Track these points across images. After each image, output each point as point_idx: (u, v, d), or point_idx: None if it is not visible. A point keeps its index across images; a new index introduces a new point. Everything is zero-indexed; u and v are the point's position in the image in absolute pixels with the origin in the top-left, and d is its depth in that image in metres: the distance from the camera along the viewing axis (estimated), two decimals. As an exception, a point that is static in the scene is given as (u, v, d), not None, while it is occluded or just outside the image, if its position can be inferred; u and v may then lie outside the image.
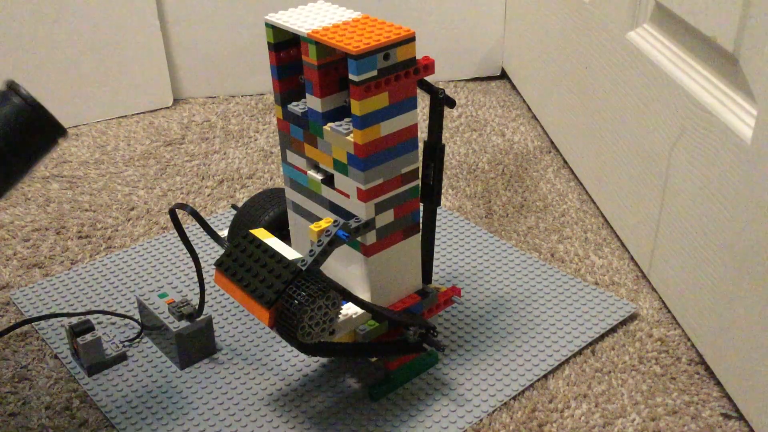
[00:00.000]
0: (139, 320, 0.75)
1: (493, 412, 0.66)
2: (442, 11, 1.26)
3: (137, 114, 1.22)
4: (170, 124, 1.18)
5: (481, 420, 0.65)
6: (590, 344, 0.73)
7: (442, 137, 0.64)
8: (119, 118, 1.21)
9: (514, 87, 1.27)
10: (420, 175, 0.64)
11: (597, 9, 0.90)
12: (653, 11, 0.78)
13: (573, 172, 1.01)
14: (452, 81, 1.31)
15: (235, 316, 0.77)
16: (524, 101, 1.22)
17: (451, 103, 0.63)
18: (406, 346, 0.65)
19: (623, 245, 0.87)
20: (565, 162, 1.04)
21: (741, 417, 0.65)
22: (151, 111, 1.23)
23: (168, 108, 1.24)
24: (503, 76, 1.32)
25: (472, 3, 1.26)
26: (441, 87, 0.62)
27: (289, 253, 0.59)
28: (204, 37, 1.23)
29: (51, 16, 1.12)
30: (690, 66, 0.72)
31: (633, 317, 0.76)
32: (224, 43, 1.24)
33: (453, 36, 1.28)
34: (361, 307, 0.60)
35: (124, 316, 0.77)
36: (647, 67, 0.77)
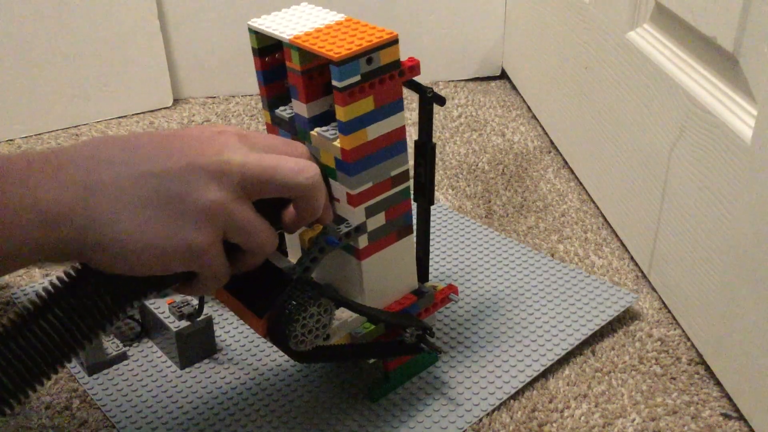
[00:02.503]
0: (139, 320, 0.75)
1: (493, 411, 0.66)
2: (442, 11, 1.26)
3: (137, 114, 1.22)
4: (170, 124, 1.18)
5: (480, 420, 0.65)
6: (590, 344, 0.73)
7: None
8: (119, 118, 1.21)
9: (514, 87, 1.27)
10: (413, 175, 0.63)
11: (597, 9, 0.90)
12: (653, 11, 0.78)
13: (573, 172, 1.01)
14: (452, 81, 1.31)
15: (235, 317, 0.77)
16: (524, 101, 1.22)
17: (441, 101, 0.62)
18: (403, 347, 0.65)
19: (623, 245, 0.87)
20: (565, 162, 1.04)
21: (741, 417, 0.65)
22: (151, 111, 1.23)
23: (168, 108, 1.24)
24: (503, 76, 1.32)
25: (472, 3, 1.26)
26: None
27: (281, 260, 0.58)
28: (204, 37, 1.23)
29: (51, 16, 1.12)
30: (690, 66, 0.72)
31: (633, 317, 0.76)
32: (224, 43, 1.24)
33: (453, 36, 1.28)
34: (356, 312, 0.60)
35: (124, 316, 0.77)
36: (647, 67, 0.77)
